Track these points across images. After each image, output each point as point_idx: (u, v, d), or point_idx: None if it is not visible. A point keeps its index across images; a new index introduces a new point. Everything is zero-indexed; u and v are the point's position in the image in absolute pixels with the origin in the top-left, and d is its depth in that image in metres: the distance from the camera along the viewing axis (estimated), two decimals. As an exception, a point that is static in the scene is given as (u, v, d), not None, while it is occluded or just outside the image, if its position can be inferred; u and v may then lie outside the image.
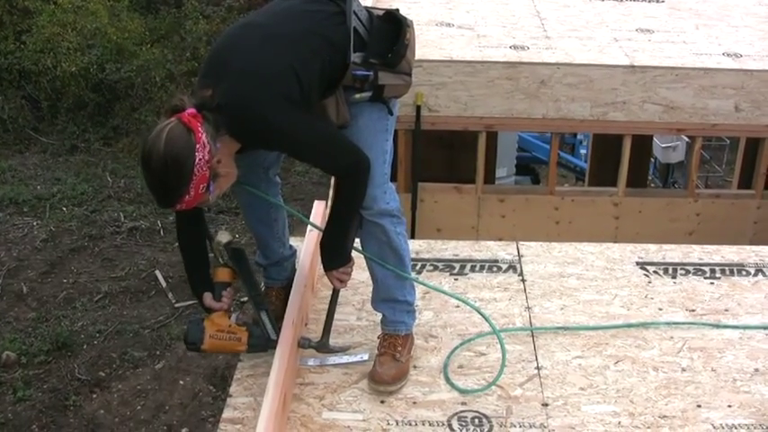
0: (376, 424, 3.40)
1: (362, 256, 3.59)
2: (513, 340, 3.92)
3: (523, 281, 4.43)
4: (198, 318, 3.52)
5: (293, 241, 4.08)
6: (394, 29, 3.38)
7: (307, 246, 4.11)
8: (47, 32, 12.62)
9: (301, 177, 11.41)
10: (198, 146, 2.87)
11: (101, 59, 12.57)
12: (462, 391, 3.57)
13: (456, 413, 3.46)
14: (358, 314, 4.07)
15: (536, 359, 3.81)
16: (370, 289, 3.75)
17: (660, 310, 4.19)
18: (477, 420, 3.42)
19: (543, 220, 6.85)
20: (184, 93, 3.07)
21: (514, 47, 6.69)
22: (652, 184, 12.38)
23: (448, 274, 4.48)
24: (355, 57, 3.25)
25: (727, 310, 4.20)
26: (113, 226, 10.10)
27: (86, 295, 8.73)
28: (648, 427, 3.40)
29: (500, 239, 5.27)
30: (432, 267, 4.53)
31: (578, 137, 13.78)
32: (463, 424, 3.41)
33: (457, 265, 4.55)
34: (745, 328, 4.05)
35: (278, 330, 3.52)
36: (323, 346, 3.64)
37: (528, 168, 13.58)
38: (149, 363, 7.76)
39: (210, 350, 3.50)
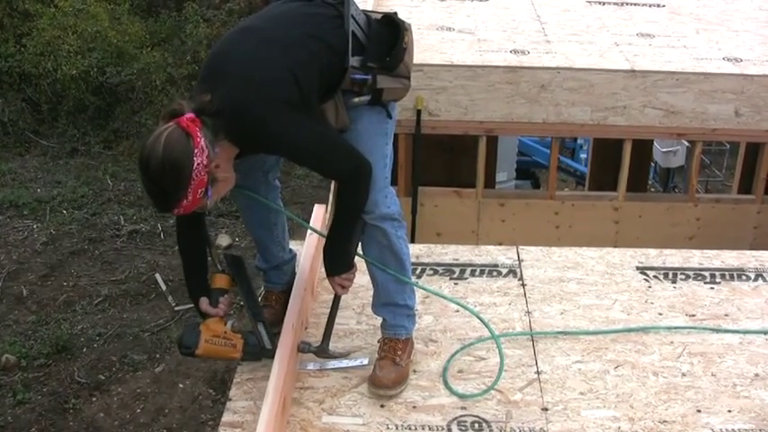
0: (376, 428, 3.40)
1: (362, 260, 3.59)
2: (512, 345, 3.92)
3: (523, 285, 4.42)
4: (194, 322, 3.52)
5: (293, 245, 4.07)
6: (392, 32, 3.38)
7: (306, 249, 4.11)
8: (47, 36, 12.62)
9: (301, 181, 11.41)
10: (196, 150, 2.86)
11: (101, 63, 12.57)
12: (461, 396, 3.57)
13: (456, 418, 3.46)
14: (358, 318, 4.07)
15: (536, 364, 3.80)
16: (371, 293, 3.75)
17: (660, 314, 4.19)
18: (476, 425, 3.42)
19: (543, 224, 6.84)
20: (183, 97, 3.05)
21: (515, 51, 6.70)
22: (652, 189, 12.39)
23: (448, 278, 4.48)
24: (354, 60, 3.24)
25: (727, 315, 4.19)
26: (113, 229, 10.10)
27: (86, 298, 8.72)
28: (648, 432, 3.41)
29: (500, 244, 5.27)
30: (432, 272, 4.53)
31: (578, 141, 13.80)
32: (463, 429, 3.40)
33: (457, 270, 4.55)
34: (745, 332, 4.05)
35: (273, 340, 3.51)
36: (323, 351, 3.64)
37: (528, 173, 13.59)
38: (149, 366, 7.76)
39: (205, 355, 3.50)
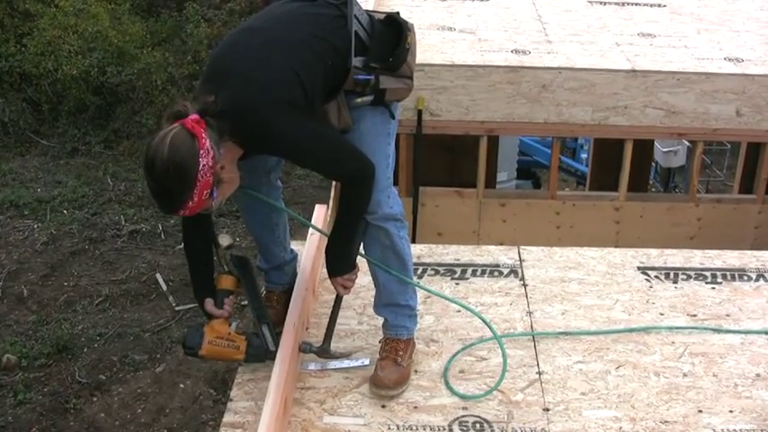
0: (377, 428, 3.40)
1: (364, 260, 3.59)
2: (514, 345, 3.92)
3: (525, 285, 4.42)
4: (198, 323, 3.52)
5: (294, 245, 4.07)
6: (395, 33, 3.38)
7: (308, 250, 4.11)
8: (48, 35, 12.60)
9: (302, 181, 11.41)
10: (201, 152, 2.86)
11: (102, 63, 12.55)
12: (462, 397, 3.57)
13: (457, 418, 3.46)
14: (359, 318, 4.07)
15: (537, 364, 3.80)
16: (372, 293, 3.75)
17: (661, 315, 4.19)
18: (478, 425, 3.42)
19: (544, 224, 6.84)
20: (186, 98, 3.04)
21: (516, 51, 6.70)
22: (653, 189, 12.39)
23: (449, 278, 4.48)
24: (356, 61, 3.24)
25: (728, 315, 4.19)
26: (114, 229, 10.09)
27: (87, 298, 8.72)
28: (650, 433, 3.40)
29: (501, 244, 5.27)
30: (433, 272, 4.53)
31: (579, 141, 13.80)
32: (464, 429, 3.40)
33: (458, 270, 4.55)
34: (746, 333, 4.05)
35: (277, 343, 3.51)
36: (324, 351, 3.64)
37: (529, 173, 13.59)
38: (150, 366, 7.75)
39: (208, 356, 3.50)
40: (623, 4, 8.04)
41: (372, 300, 3.75)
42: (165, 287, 8.94)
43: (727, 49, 6.91)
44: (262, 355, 3.53)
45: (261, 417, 3.09)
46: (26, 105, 12.73)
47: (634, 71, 6.40)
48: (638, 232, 6.82)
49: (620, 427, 3.42)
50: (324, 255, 3.52)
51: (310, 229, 4.17)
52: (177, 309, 8.57)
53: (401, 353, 3.62)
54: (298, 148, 3.15)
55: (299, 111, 3.06)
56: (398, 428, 3.40)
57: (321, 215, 4.32)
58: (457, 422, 3.44)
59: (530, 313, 4.18)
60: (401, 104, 3.53)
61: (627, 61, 6.55)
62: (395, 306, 3.65)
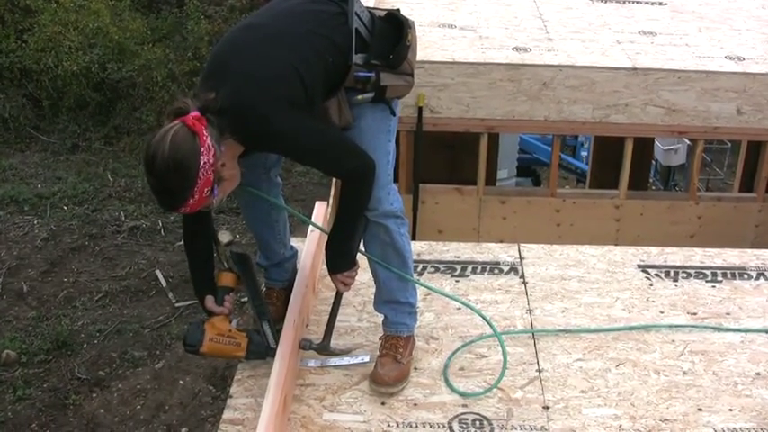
0: (377, 425, 3.40)
1: (364, 257, 3.59)
2: (514, 342, 3.92)
3: (525, 283, 4.42)
4: (198, 320, 3.52)
5: (294, 242, 4.07)
6: (396, 30, 3.38)
7: (308, 247, 4.11)
8: (48, 31, 12.61)
9: (302, 178, 11.41)
10: (203, 149, 2.85)
11: (102, 59, 12.56)
12: (462, 394, 3.57)
13: (457, 415, 3.46)
14: (359, 315, 4.07)
15: (537, 362, 3.80)
16: (372, 290, 3.75)
17: (661, 313, 4.19)
18: (477, 423, 3.42)
19: (544, 222, 6.84)
20: (187, 95, 3.04)
21: (517, 49, 6.69)
22: (653, 187, 12.38)
23: (449, 275, 4.48)
24: (357, 58, 3.24)
25: (728, 314, 4.19)
26: (114, 225, 10.09)
27: (87, 294, 8.72)
28: (649, 431, 3.40)
29: (501, 241, 5.27)
30: (433, 269, 4.53)
31: (579, 139, 13.79)
32: (464, 426, 3.40)
33: (458, 267, 4.55)
34: (746, 331, 4.05)
35: (278, 339, 3.51)
36: (324, 348, 3.64)
37: (529, 170, 13.58)
38: (149, 362, 7.76)
39: (209, 353, 3.49)
40: (624, 2, 8.03)
41: (372, 297, 3.76)
42: (164, 283, 8.94)
43: (728, 48, 6.90)
44: (263, 352, 3.53)
45: (261, 413, 3.09)
46: (26, 101, 12.73)
47: (635, 69, 6.40)
48: (638, 230, 6.82)
49: (620, 425, 3.42)
50: (324, 252, 3.52)
51: (310, 226, 4.17)
52: (177, 305, 8.57)
53: (401, 350, 3.62)
54: (298, 146, 3.15)
55: (299, 108, 3.05)
56: (398, 425, 3.40)
57: (321, 212, 4.32)
58: (456, 419, 3.44)
59: (530, 311, 4.18)
60: (401, 101, 3.53)
61: (628, 59, 6.54)
62: (395, 303, 3.65)
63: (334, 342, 3.68)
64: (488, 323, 3.83)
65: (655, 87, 6.41)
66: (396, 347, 3.62)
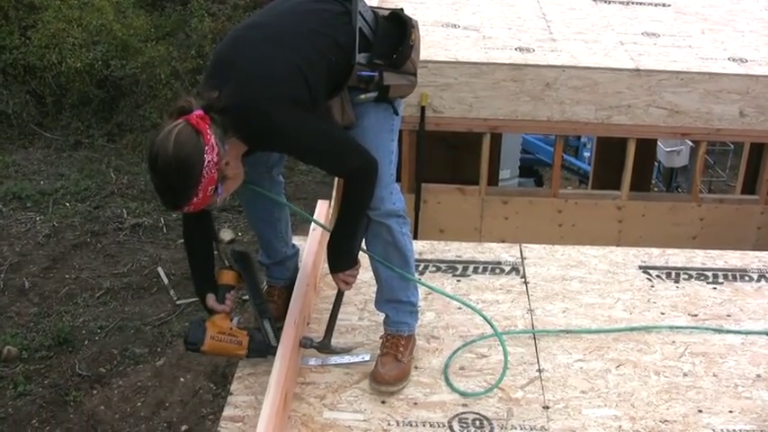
0: (377, 424, 3.40)
1: (365, 256, 3.59)
2: (514, 342, 3.92)
3: (526, 283, 4.43)
4: (199, 318, 3.52)
5: (296, 240, 4.07)
6: (399, 29, 3.38)
7: (309, 245, 4.11)
8: (52, 28, 12.61)
9: (304, 176, 11.41)
10: (206, 148, 2.85)
11: (106, 56, 12.56)
12: (462, 394, 3.57)
13: (457, 415, 3.46)
14: (360, 314, 4.07)
15: (537, 362, 3.80)
16: (373, 289, 3.75)
17: (662, 314, 4.19)
18: (477, 422, 3.42)
19: (546, 222, 6.84)
20: (188, 92, 3.04)
21: (520, 49, 6.69)
22: (655, 189, 12.37)
23: (450, 275, 4.48)
24: (360, 57, 3.24)
25: (729, 316, 4.19)
26: (116, 222, 10.10)
27: (88, 291, 8.73)
28: (649, 432, 3.41)
29: (503, 241, 5.27)
30: (434, 268, 4.53)
31: (582, 140, 13.78)
32: (464, 426, 3.41)
33: (460, 267, 4.55)
34: (747, 333, 4.05)
35: (279, 337, 3.51)
36: (325, 347, 3.64)
37: (531, 170, 13.57)
38: (150, 359, 7.76)
39: (210, 352, 3.49)
40: (628, 3, 8.02)
41: (373, 296, 3.76)
42: (166, 281, 8.95)
43: (732, 50, 6.90)
44: (264, 350, 3.53)
45: (261, 411, 3.09)
46: (30, 98, 12.73)
47: (638, 70, 6.40)
48: (639, 231, 6.82)
49: (620, 426, 3.43)
50: (325, 250, 3.52)
51: (312, 225, 4.17)
52: (178, 303, 8.58)
53: (402, 349, 3.62)
54: (301, 145, 3.15)
55: (302, 107, 3.06)
56: (398, 424, 3.41)
57: (323, 211, 4.32)
58: (456, 419, 3.44)
59: (531, 311, 4.18)
60: (404, 101, 3.53)
61: (631, 60, 6.54)
62: (396, 302, 3.65)
63: (335, 340, 3.69)
64: (489, 323, 3.84)
65: (658, 89, 6.40)
66: (396, 346, 3.62)
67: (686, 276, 4.54)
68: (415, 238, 5.96)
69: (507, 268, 4.56)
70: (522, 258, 4.66)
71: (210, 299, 3.46)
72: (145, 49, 12.76)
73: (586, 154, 13.70)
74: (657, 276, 4.53)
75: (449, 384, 3.62)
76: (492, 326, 3.83)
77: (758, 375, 3.76)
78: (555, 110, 6.48)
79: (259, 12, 3.44)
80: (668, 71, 6.43)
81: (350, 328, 3.96)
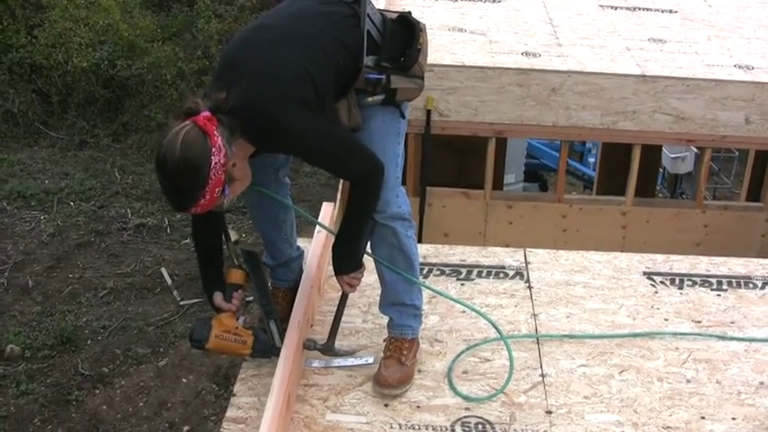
0: (379, 427, 3.40)
1: (370, 258, 3.59)
2: (518, 347, 3.92)
3: (530, 288, 4.43)
4: (205, 317, 3.53)
5: (300, 242, 4.08)
6: (407, 32, 3.38)
7: (314, 247, 4.12)
8: (59, 27, 12.64)
9: (309, 179, 11.41)
10: (214, 149, 2.86)
11: (112, 56, 12.59)
12: (465, 398, 3.57)
13: (459, 418, 3.46)
14: (364, 317, 4.07)
15: (541, 366, 3.80)
16: (377, 292, 3.76)
17: (666, 320, 4.19)
18: (480, 426, 3.42)
19: (551, 227, 6.84)
20: (194, 93, 3.05)
21: (526, 54, 6.69)
22: (660, 195, 12.37)
23: (455, 279, 4.48)
24: (368, 60, 3.24)
25: (733, 323, 4.19)
26: (120, 222, 10.11)
27: (91, 291, 8.73)
28: (652, 438, 3.41)
29: (507, 246, 5.27)
30: (438, 272, 4.53)
31: (587, 145, 13.79)
32: (467, 429, 3.41)
33: (464, 271, 4.55)
34: (750, 340, 4.05)
35: (284, 338, 3.52)
36: (328, 349, 3.65)
37: (536, 175, 13.58)
38: (153, 360, 7.76)
39: (215, 350, 3.50)
40: (634, 9, 8.02)
41: (378, 298, 3.76)
42: (169, 281, 8.95)
43: (738, 57, 6.89)
44: (268, 350, 3.54)
45: (264, 413, 3.10)
46: (36, 97, 12.76)
47: (644, 76, 6.39)
48: (644, 237, 6.81)
49: (623, 432, 3.43)
50: (330, 252, 3.52)
51: (317, 227, 4.18)
52: (182, 303, 8.58)
53: (405, 352, 3.62)
54: (307, 147, 3.15)
55: (309, 109, 3.06)
56: (401, 428, 3.41)
57: (328, 213, 4.33)
58: (459, 423, 3.44)
59: (534, 316, 4.18)
60: (410, 104, 3.53)
61: (637, 66, 6.54)
62: (400, 305, 3.65)
63: (339, 343, 3.69)
64: (495, 327, 3.84)
65: (663, 95, 6.40)
66: (400, 350, 3.62)
67: (690, 283, 4.54)
68: (420, 241, 5.96)
69: (511, 273, 4.56)
70: (527, 263, 4.66)
71: (218, 297, 3.47)
72: (151, 50, 12.78)
73: (591, 159, 13.72)
74: (661, 282, 4.53)
75: (452, 388, 3.62)
76: (498, 330, 3.83)
77: (761, 383, 3.75)
78: (560, 115, 6.48)
79: (267, 13, 3.45)
80: (674, 77, 6.42)
81: (353, 331, 3.96)
